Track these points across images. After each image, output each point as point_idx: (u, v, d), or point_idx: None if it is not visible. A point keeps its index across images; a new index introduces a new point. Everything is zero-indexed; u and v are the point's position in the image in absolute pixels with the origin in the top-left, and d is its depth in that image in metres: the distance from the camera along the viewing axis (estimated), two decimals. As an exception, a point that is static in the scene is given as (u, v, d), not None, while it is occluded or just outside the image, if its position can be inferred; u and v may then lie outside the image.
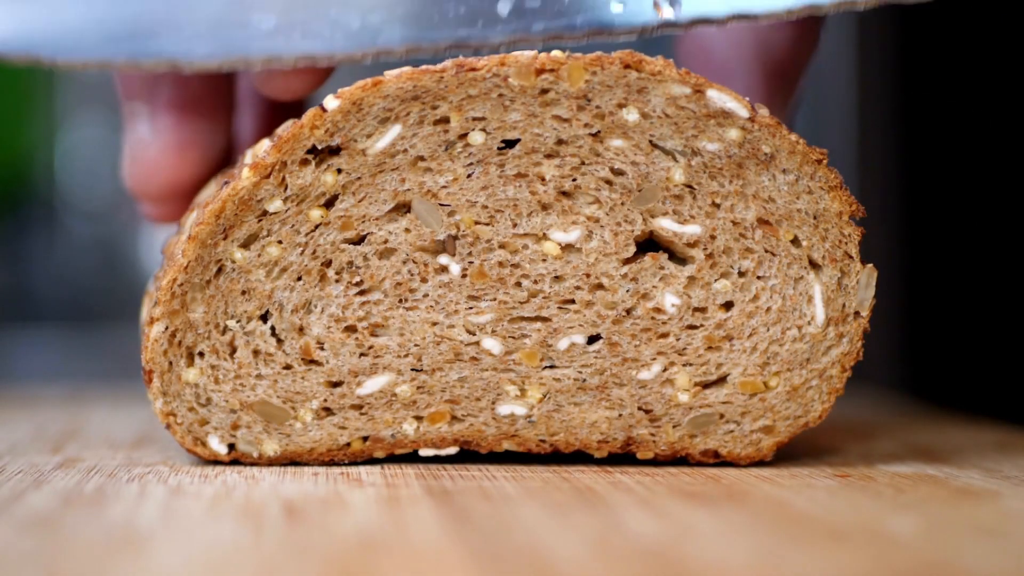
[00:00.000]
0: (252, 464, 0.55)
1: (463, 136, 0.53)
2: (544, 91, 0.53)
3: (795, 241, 0.54)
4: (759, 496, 0.49)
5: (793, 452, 0.57)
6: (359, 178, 0.53)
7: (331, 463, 0.56)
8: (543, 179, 0.54)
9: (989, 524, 0.45)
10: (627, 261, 0.54)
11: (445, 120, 0.53)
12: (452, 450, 0.56)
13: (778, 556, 0.39)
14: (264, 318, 0.55)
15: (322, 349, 0.55)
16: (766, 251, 0.54)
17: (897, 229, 1.11)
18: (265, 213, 0.54)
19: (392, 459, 0.56)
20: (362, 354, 0.55)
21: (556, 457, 0.56)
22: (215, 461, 0.55)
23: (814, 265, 0.54)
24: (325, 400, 0.55)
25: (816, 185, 0.53)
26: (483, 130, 0.53)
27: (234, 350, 0.55)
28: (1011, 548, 0.41)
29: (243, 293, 0.54)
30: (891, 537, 0.42)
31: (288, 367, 0.55)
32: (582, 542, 0.41)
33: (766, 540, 0.41)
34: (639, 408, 0.55)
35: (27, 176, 1.55)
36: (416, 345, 0.55)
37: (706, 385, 0.55)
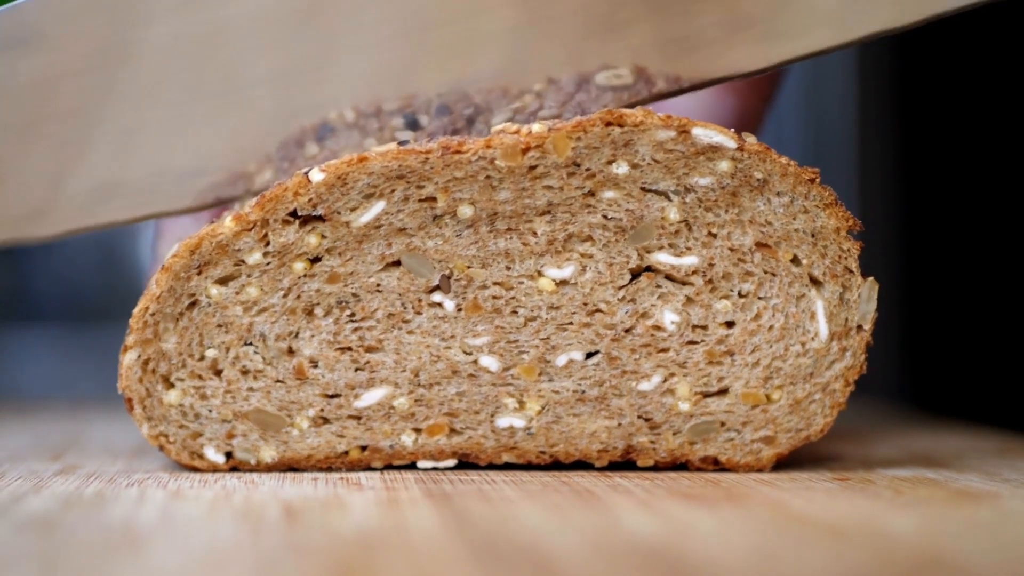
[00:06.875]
0: (250, 471, 0.55)
1: (450, 211, 0.53)
2: (533, 167, 0.52)
3: (795, 260, 0.54)
4: (758, 497, 0.49)
5: (793, 458, 0.57)
6: (345, 244, 0.53)
7: (329, 469, 0.55)
8: (535, 233, 0.53)
9: (988, 523, 0.45)
10: (623, 286, 0.54)
11: (432, 199, 0.53)
12: (450, 463, 0.55)
13: (776, 552, 0.39)
14: (247, 343, 0.54)
15: (316, 367, 0.54)
16: (766, 272, 0.54)
17: (894, 239, 1.11)
18: (243, 262, 0.53)
19: (391, 466, 0.56)
20: (358, 369, 0.54)
21: (556, 465, 0.56)
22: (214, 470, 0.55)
23: (815, 282, 0.54)
24: (322, 409, 0.55)
25: (811, 204, 0.53)
26: (471, 204, 0.53)
27: (219, 371, 0.54)
28: (1010, 545, 0.41)
29: (219, 326, 0.54)
30: (890, 534, 0.42)
31: (280, 381, 0.54)
32: (582, 541, 0.40)
33: (764, 537, 0.41)
34: (639, 417, 0.55)
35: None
36: (412, 363, 0.54)
37: (707, 394, 0.55)
